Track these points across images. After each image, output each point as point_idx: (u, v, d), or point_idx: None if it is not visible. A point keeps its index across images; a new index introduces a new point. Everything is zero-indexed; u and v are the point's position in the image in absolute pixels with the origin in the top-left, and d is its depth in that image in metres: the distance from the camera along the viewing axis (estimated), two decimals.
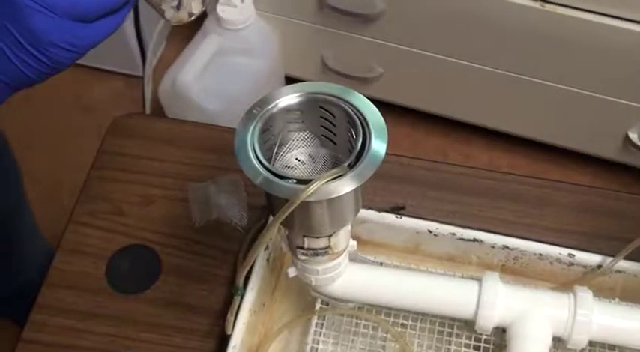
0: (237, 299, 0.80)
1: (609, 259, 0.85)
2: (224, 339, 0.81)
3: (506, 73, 1.68)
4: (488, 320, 0.77)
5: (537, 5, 1.50)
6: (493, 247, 0.88)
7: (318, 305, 0.88)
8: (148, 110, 1.89)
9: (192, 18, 0.68)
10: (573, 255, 0.86)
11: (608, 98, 1.63)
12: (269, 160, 0.65)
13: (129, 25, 2.20)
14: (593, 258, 0.86)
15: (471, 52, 1.67)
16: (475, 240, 0.88)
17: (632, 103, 1.62)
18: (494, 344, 0.85)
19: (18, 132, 1.96)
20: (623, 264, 0.85)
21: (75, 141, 1.94)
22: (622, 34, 1.48)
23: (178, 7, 0.66)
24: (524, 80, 1.67)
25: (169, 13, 0.67)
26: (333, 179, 0.61)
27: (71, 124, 2.01)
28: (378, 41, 1.74)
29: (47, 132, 1.99)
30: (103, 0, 0.55)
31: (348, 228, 0.72)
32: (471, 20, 1.58)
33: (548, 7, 1.50)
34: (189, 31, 1.97)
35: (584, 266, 0.86)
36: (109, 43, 2.15)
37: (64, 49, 0.54)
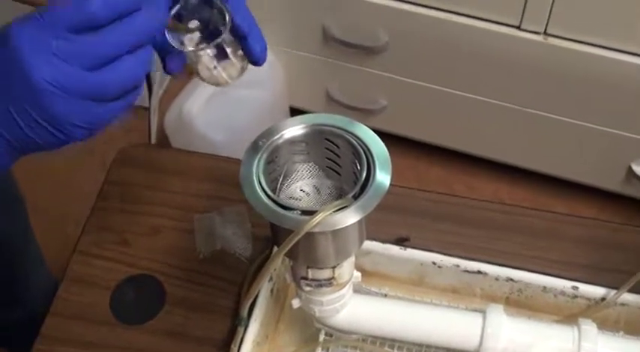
0: (240, 330, 0.80)
1: (613, 292, 0.85)
2: None
3: (510, 105, 1.68)
4: None
5: (540, 39, 1.51)
6: (497, 279, 0.88)
7: (322, 337, 0.87)
8: (153, 141, 1.91)
9: (230, 82, 0.68)
10: (577, 288, 0.86)
11: (612, 131, 1.64)
12: (274, 191, 0.65)
13: None
14: (598, 291, 0.86)
15: (475, 85, 1.68)
16: (479, 272, 0.88)
17: (636, 136, 1.63)
18: None
19: (24, 162, 1.97)
20: (627, 297, 0.85)
21: (80, 172, 1.95)
22: (624, 66, 1.49)
23: (215, 68, 0.67)
24: (528, 112, 1.68)
25: (206, 74, 0.68)
26: (337, 210, 0.61)
27: (77, 154, 2.01)
28: (382, 73, 1.75)
29: (53, 163, 2.00)
30: (123, 82, 0.54)
31: (353, 259, 0.72)
32: (474, 53, 1.60)
33: (551, 40, 1.51)
34: None
35: (589, 299, 0.86)
36: None
37: (81, 128, 0.54)
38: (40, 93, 0.51)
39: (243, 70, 0.69)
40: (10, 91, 0.51)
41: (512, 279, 0.87)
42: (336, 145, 0.68)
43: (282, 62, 1.77)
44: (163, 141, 1.88)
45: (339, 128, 0.67)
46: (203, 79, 0.68)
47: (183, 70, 0.68)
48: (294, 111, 1.94)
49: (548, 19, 1.48)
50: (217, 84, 0.69)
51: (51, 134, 0.53)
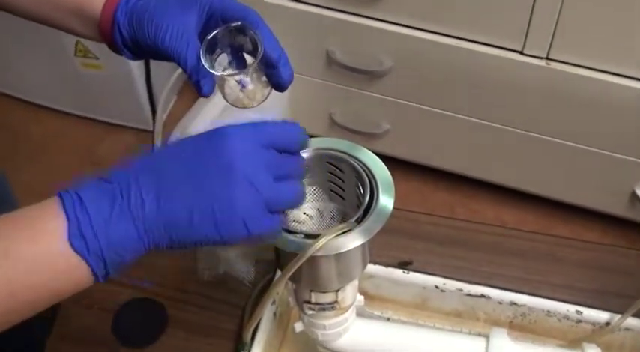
0: None
1: (617, 316, 0.84)
2: None
3: (513, 129, 1.69)
4: None
5: (543, 63, 1.52)
6: (500, 303, 0.88)
7: None
8: None
9: (255, 105, 0.71)
10: (581, 312, 0.86)
11: (615, 155, 1.64)
12: None
13: (140, 81, 2.25)
14: (602, 315, 0.86)
15: (477, 109, 1.69)
16: (482, 295, 0.88)
17: (639, 160, 1.63)
18: None
19: (30, 181, 1.97)
20: (631, 322, 0.84)
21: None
22: (627, 91, 1.49)
23: (242, 92, 0.70)
24: (530, 136, 1.68)
25: (232, 97, 0.70)
26: (340, 234, 0.61)
27: (82, 176, 2.02)
28: (386, 97, 1.75)
29: (58, 182, 2.00)
30: (293, 198, 0.58)
31: (356, 282, 0.72)
32: (477, 77, 1.60)
33: (554, 65, 1.52)
34: None
35: (593, 324, 0.86)
36: (120, 98, 2.21)
37: (244, 228, 0.56)
38: (236, 181, 0.55)
39: (266, 95, 0.72)
40: (200, 173, 0.55)
41: (515, 303, 0.87)
42: (339, 169, 0.68)
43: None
44: None
45: (342, 152, 0.67)
46: (229, 101, 0.71)
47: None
48: None
49: (551, 44, 1.49)
50: (243, 106, 0.71)
51: (216, 229, 0.55)
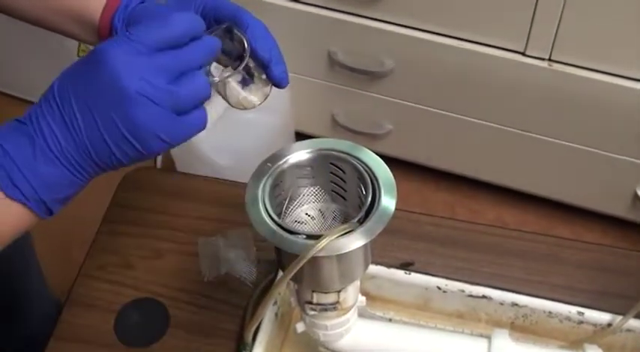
0: None
1: (619, 317, 0.84)
2: None
3: (515, 130, 1.69)
4: None
5: (545, 64, 1.52)
6: (502, 304, 0.88)
7: None
8: (159, 164, 1.91)
9: (257, 105, 0.72)
10: (583, 313, 0.86)
11: (617, 156, 1.64)
12: (279, 215, 0.66)
13: None
14: (603, 317, 0.86)
15: (480, 110, 1.69)
16: (484, 296, 0.88)
17: None
18: None
19: None
20: (633, 323, 0.84)
21: (85, 195, 1.95)
22: (629, 92, 1.49)
23: (241, 93, 0.71)
24: (532, 137, 1.69)
25: (233, 100, 0.71)
26: (342, 234, 0.61)
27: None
28: (388, 98, 1.76)
29: None
30: (197, 93, 0.59)
31: (357, 283, 0.72)
32: (479, 78, 1.60)
33: (556, 66, 1.52)
34: None
35: (594, 325, 0.86)
36: None
37: (160, 141, 0.58)
38: (130, 102, 0.56)
39: (266, 94, 0.72)
40: (98, 103, 0.56)
41: (517, 304, 0.87)
42: (341, 170, 0.68)
43: (287, 87, 1.77)
44: (169, 164, 1.88)
45: (344, 153, 0.68)
46: (230, 104, 0.71)
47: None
48: (300, 136, 1.95)
49: (553, 46, 1.49)
50: (244, 108, 0.72)
51: (132, 146, 0.57)
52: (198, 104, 0.60)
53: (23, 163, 0.57)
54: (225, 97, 0.71)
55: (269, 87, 0.72)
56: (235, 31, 0.68)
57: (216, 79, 0.68)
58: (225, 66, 0.70)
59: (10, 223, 0.59)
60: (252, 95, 0.71)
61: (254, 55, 0.68)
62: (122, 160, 0.58)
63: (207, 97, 0.61)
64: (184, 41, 0.59)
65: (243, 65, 0.67)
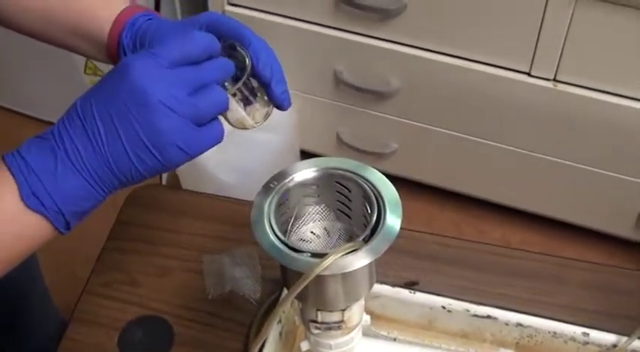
0: None
1: (624, 338, 0.84)
2: None
3: (520, 150, 1.69)
4: None
5: (550, 85, 1.53)
6: (507, 324, 0.87)
7: None
8: (164, 181, 1.91)
9: (256, 126, 0.72)
10: (588, 334, 0.85)
11: (622, 176, 1.64)
12: (285, 233, 0.66)
13: None
14: (608, 338, 0.85)
15: (485, 130, 1.69)
16: (489, 316, 0.87)
17: None
18: None
19: None
20: (638, 344, 0.84)
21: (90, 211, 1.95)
22: (634, 113, 1.49)
23: (241, 113, 0.71)
24: (537, 158, 1.69)
25: (232, 118, 0.71)
26: (347, 253, 0.62)
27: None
28: (393, 117, 1.76)
29: None
30: (215, 105, 0.61)
31: (362, 302, 0.72)
32: (485, 98, 1.61)
33: (561, 86, 1.52)
34: None
35: (599, 346, 0.86)
36: None
37: (179, 150, 0.59)
38: (151, 110, 0.58)
39: (268, 114, 0.72)
40: (121, 112, 0.58)
41: (522, 325, 0.87)
42: (347, 188, 0.68)
43: (293, 106, 1.76)
44: (174, 182, 1.88)
45: (349, 171, 0.68)
46: (230, 123, 0.71)
47: None
48: (305, 155, 1.95)
49: (558, 66, 1.49)
50: (244, 127, 0.72)
51: (151, 155, 0.59)
52: (216, 116, 0.62)
53: (44, 174, 0.58)
54: (225, 116, 0.71)
55: (270, 107, 0.72)
56: (238, 48, 0.68)
57: None
58: (227, 84, 0.70)
59: (28, 235, 0.59)
60: (252, 115, 0.71)
61: (255, 74, 0.69)
62: (141, 170, 0.59)
63: (225, 110, 0.63)
64: (202, 59, 0.62)
65: (242, 81, 0.67)
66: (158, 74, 0.59)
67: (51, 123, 1.98)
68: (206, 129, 0.61)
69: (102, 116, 0.58)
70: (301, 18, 1.66)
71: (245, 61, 0.68)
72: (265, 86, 0.70)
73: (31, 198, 0.57)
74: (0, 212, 0.58)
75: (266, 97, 0.71)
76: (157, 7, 1.68)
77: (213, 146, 0.62)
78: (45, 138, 0.60)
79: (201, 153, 0.61)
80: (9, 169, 0.58)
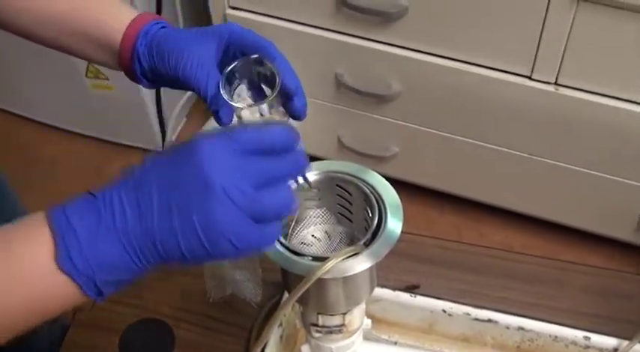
0: None
1: (625, 342, 0.84)
2: None
3: (521, 153, 1.69)
4: None
5: (551, 88, 1.53)
6: (508, 328, 0.87)
7: None
8: None
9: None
10: (589, 338, 0.85)
11: (622, 180, 1.64)
12: (285, 237, 0.66)
13: (150, 102, 2.25)
14: (610, 342, 0.85)
15: (486, 133, 1.69)
16: (490, 320, 0.87)
17: None
18: None
19: (39, 200, 1.97)
20: (639, 348, 0.84)
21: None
22: (634, 117, 1.49)
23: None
24: (538, 161, 1.69)
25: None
26: (348, 257, 0.62)
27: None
28: (394, 121, 1.76)
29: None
30: (280, 206, 0.56)
31: (363, 306, 0.72)
32: (486, 102, 1.61)
33: (562, 90, 1.52)
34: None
35: (600, 350, 0.86)
36: (130, 119, 2.21)
37: (231, 244, 0.54)
38: (211, 196, 0.53)
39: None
40: (178, 189, 0.54)
41: (523, 328, 0.87)
42: (347, 192, 0.68)
43: None
44: None
45: (350, 175, 0.68)
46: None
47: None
48: None
49: (559, 70, 1.49)
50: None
51: (200, 243, 0.54)
52: (278, 218, 0.57)
53: (84, 236, 0.54)
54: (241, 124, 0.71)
55: (286, 119, 0.72)
56: (266, 62, 0.69)
57: (239, 105, 0.68)
58: (248, 92, 0.71)
59: (58, 296, 0.55)
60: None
61: (280, 87, 0.68)
62: (186, 255, 0.55)
63: (289, 214, 0.57)
64: (278, 151, 0.57)
65: (271, 97, 0.67)
66: (228, 160, 0.54)
67: (51, 126, 1.98)
68: (264, 227, 0.55)
69: (159, 190, 0.54)
70: (302, 21, 1.66)
71: (274, 76, 0.68)
72: (288, 98, 0.70)
73: (65, 261, 0.53)
74: (31, 267, 0.54)
75: (281, 108, 0.71)
76: (159, 11, 1.68)
77: (266, 247, 0.58)
78: (95, 198, 0.55)
79: (252, 252, 0.56)
80: (50, 224, 0.54)
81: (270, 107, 0.70)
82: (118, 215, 0.54)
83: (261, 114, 0.70)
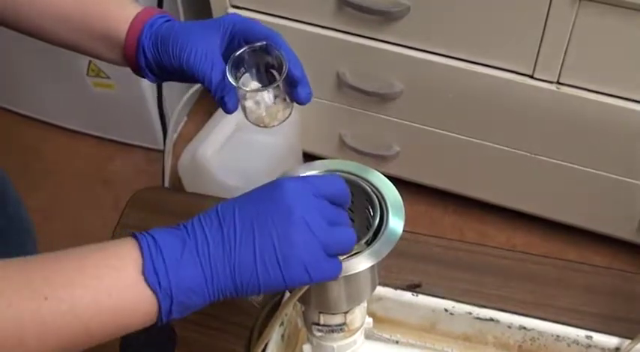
0: None
1: (627, 341, 0.84)
2: None
3: (523, 152, 1.69)
4: None
5: (553, 87, 1.52)
6: (510, 327, 0.87)
7: None
8: (167, 184, 1.91)
9: (275, 124, 0.73)
10: (591, 337, 0.85)
11: (625, 179, 1.64)
12: None
13: (151, 101, 2.25)
14: (611, 341, 0.85)
15: (488, 132, 1.69)
16: (492, 319, 0.87)
17: None
18: None
19: (41, 199, 1.98)
20: None
21: (93, 213, 1.96)
22: (637, 115, 1.49)
23: (263, 109, 0.72)
24: (541, 160, 1.68)
25: (253, 116, 0.72)
26: (350, 256, 0.61)
27: (90, 196, 2.03)
28: (396, 120, 1.76)
29: (66, 203, 2.01)
30: (346, 243, 0.60)
31: (365, 305, 0.72)
32: (488, 101, 1.61)
33: (564, 89, 1.52)
34: (210, 107, 2.01)
35: (602, 349, 0.85)
36: (131, 118, 2.22)
37: (304, 270, 0.58)
38: (293, 223, 0.58)
39: (288, 115, 0.74)
40: (261, 219, 0.59)
41: (525, 327, 0.87)
42: (349, 191, 0.68)
43: (296, 108, 1.78)
44: (177, 184, 1.88)
45: (352, 174, 0.68)
46: (250, 120, 0.72)
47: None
48: (308, 157, 1.95)
49: (561, 69, 1.49)
50: (264, 125, 0.73)
51: (277, 268, 0.58)
52: (343, 253, 0.61)
53: (169, 258, 0.57)
54: (245, 112, 0.71)
55: (290, 108, 0.73)
56: (273, 50, 0.70)
57: (246, 89, 0.69)
58: (255, 80, 0.72)
59: (137, 311, 0.58)
60: (275, 114, 0.72)
61: (287, 74, 0.70)
62: (260, 282, 0.58)
63: (348, 252, 0.62)
64: (339, 203, 0.63)
65: (277, 83, 0.69)
66: (307, 198, 0.60)
67: (53, 125, 1.98)
68: (331, 260, 0.60)
69: (242, 221, 0.59)
70: (304, 20, 1.66)
71: (280, 64, 0.69)
72: (293, 85, 0.72)
73: (152, 274, 0.56)
74: (119, 278, 0.57)
75: (286, 96, 0.72)
76: (160, 7, 1.68)
77: (327, 280, 0.60)
78: (176, 229, 0.59)
79: (316, 281, 0.59)
80: (138, 244, 0.58)
81: (275, 97, 0.70)
82: (200, 242, 0.58)
83: (266, 103, 0.70)
